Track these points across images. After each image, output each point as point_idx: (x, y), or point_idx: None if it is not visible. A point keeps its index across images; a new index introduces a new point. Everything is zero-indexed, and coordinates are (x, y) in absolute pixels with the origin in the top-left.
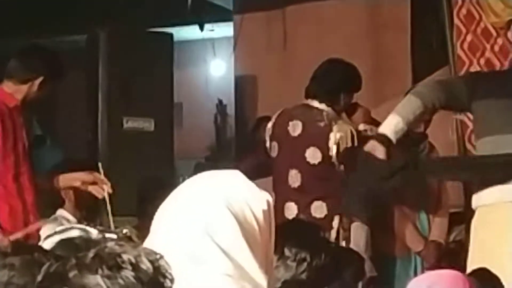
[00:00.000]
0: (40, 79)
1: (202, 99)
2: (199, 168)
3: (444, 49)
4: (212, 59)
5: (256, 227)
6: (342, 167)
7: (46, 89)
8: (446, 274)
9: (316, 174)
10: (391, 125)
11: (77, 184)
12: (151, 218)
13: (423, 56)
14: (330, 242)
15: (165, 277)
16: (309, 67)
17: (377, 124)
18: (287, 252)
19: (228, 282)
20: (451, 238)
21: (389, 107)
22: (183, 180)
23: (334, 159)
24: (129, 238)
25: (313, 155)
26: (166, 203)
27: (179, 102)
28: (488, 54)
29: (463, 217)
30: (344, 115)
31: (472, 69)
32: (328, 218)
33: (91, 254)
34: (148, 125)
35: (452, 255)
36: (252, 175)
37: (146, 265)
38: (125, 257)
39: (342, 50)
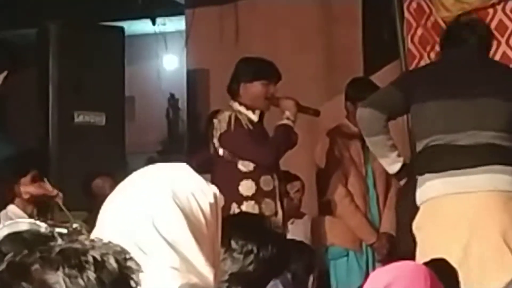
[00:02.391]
0: (5, 73)
1: (154, 93)
2: (151, 162)
3: (396, 43)
4: (164, 53)
5: (203, 220)
6: (227, 153)
7: (10, 83)
8: (408, 266)
9: (212, 165)
10: (390, 165)
11: (26, 197)
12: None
13: (375, 49)
14: (277, 233)
15: (131, 278)
16: None
17: (306, 110)
18: (233, 244)
19: (174, 275)
20: None
21: (341, 101)
22: None
23: (218, 146)
24: (79, 233)
25: (210, 147)
26: (113, 195)
27: (131, 96)
28: (438, 47)
29: None
30: (235, 103)
31: (422, 63)
32: (225, 207)
33: (57, 248)
34: (99, 119)
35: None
36: (205, 169)
37: (111, 265)
38: (90, 256)
39: (294, 44)
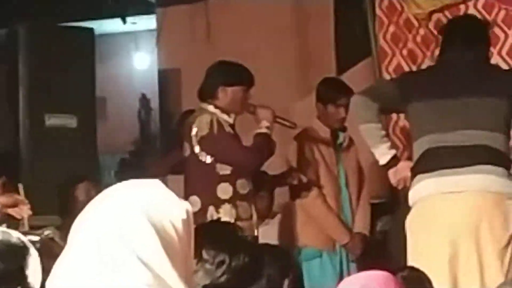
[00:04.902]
0: None
1: (126, 93)
2: (124, 163)
3: (368, 40)
4: (135, 53)
5: (176, 237)
6: (208, 157)
7: None
8: (378, 276)
9: (188, 168)
10: (381, 155)
11: None
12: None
13: (347, 47)
14: (248, 242)
15: None
16: (233, 59)
17: (283, 122)
18: (205, 255)
19: None
20: (377, 228)
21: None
22: (109, 174)
23: (197, 150)
24: (51, 240)
25: (185, 149)
26: (84, 213)
27: (102, 97)
28: (410, 45)
29: (387, 207)
30: (209, 106)
31: (394, 60)
32: (202, 210)
33: None
34: (70, 121)
35: (377, 246)
36: (178, 170)
37: None
38: None
39: (266, 41)
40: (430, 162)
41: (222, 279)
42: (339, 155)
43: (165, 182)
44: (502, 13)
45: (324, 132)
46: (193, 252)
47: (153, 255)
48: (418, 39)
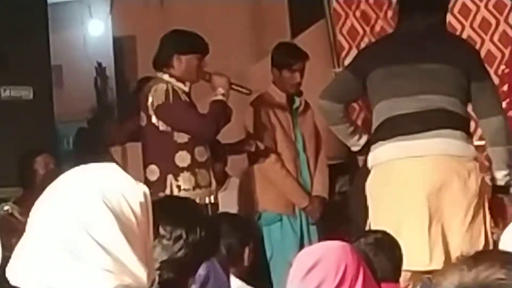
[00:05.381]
0: None
1: (81, 61)
2: (81, 132)
3: (321, 2)
4: (89, 20)
5: (134, 220)
6: (165, 126)
7: None
8: (334, 246)
9: (145, 138)
10: (352, 148)
11: None
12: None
13: (301, 9)
14: (204, 215)
15: None
16: (187, 25)
17: (238, 89)
18: (162, 231)
19: (108, 277)
20: (336, 189)
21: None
22: (67, 143)
23: (154, 119)
24: (10, 215)
25: (142, 118)
26: (42, 198)
27: (58, 65)
28: (363, 6)
29: (345, 168)
30: (164, 75)
31: (348, 22)
32: (161, 178)
33: None
34: (26, 93)
35: (337, 207)
36: (135, 138)
37: None
38: None
39: (219, 7)
40: (389, 130)
41: (180, 253)
42: (296, 120)
43: (123, 150)
44: None
45: (280, 97)
46: (152, 233)
47: (112, 239)
48: (371, 0)
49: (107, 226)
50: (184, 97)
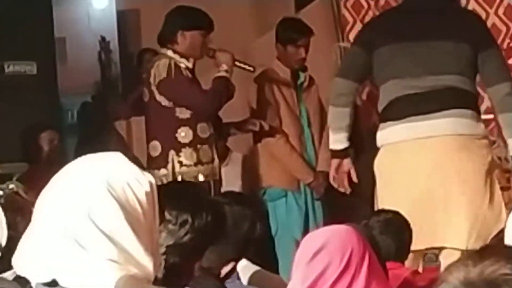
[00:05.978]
0: None
1: (85, 34)
2: (86, 106)
3: None
4: None
5: (140, 209)
6: (167, 101)
7: None
8: (340, 230)
9: (148, 113)
10: (337, 142)
11: None
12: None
13: None
14: (211, 199)
15: None
16: None
17: (242, 66)
18: (167, 215)
19: (113, 267)
20: None
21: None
22: (72, 116)
23: (156, 94)
24: (15, 193)
25: (145, 94)
26: (48, 187)
27: (62, 37)
28: None
29: (351, 142)
30: (168, 51)
31: None
32: (163, 154)
33: None
34: (30, 68)
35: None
36: (139, 112)
37: None
38: None
39: None
40: (399, 110)
41: (186, 238)
42: (300, 95)
43: (128, 124)
44: None
45: (284, 72)
46: (158, 223)
47: (118, 229)
48: None
49: (113, 216)
50: (186, 72)
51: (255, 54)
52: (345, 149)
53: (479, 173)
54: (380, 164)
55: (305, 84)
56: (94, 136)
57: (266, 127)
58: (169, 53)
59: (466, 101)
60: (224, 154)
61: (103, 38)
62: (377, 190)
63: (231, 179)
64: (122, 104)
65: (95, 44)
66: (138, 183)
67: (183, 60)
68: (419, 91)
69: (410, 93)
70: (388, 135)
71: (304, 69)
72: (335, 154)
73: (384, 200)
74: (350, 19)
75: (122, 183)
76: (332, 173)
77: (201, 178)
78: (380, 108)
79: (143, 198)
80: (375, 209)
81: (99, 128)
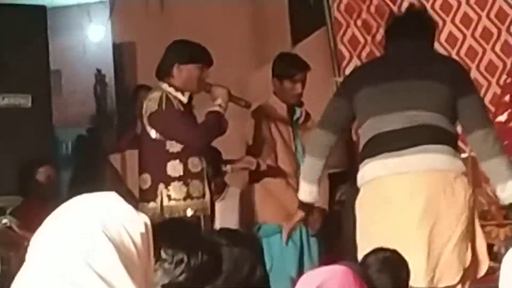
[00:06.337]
0: None
1: (81, 67)
2: (81, 140)
3: (322, 11)
4: (88, 25)
5: (134, 251)
6: (158, 134)
7: None
8: (337, 270)
9: (140, 145)
10: (307, 194)
11: None
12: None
13: (301, 17)
14: (207, 239)
15: None
16: (188, 32)
17: (238, 101)
18: (163, 254)
19: None
20: (336, 197)
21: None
22: (66, 147)
23: (147, 126)
24: (9, 228)
25: (138, 126)
26: (42, 229)
27: (57, 69)
28: (364, 15)
29: (346, 176)
30: (164, 84)
31: (349, 31)
32: (153, 187)
33: None
34: (25, 101)
35: (337, 217)
36: (134, 146)
37: None
38: None
39: (220, 13)
40: (375, 147)
41: (181, 278)
42: (296, 131)
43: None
44: None
45: (280, 108)
46: (153, 264)
47: (112, 271)
48: (372, 9)
49: (108, 258)
50: (178, 106)
51: (251, 87)
52: (312, 204)
53: (454, 209)
54: (358, 203)
55: (301, 119)
56: (88, 169)
57: (264, 166)
58: (164, 86)
59: (442, 137)
60: (221, 189)
61: (98, 71)
62: (357, 231)
63: (227, 214)
64: (117, 137)
65: (90, 77)
66: (133, 224)
67: (178, 93)
68: (394, 128)
69: (386, 131)
70: (365, 172)
71: (301, 104)
72: (302, 206)
73: (362, 237)
74: (347, 54)
75: (118, 226)
76: (288, 225)
77: (189, 213)
78: (360, 148)
79: (138, 239)
80: (359, 246)
81: (94, 161)
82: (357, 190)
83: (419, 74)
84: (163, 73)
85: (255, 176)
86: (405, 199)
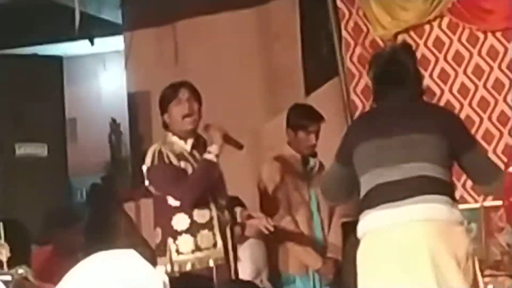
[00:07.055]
0: None
1: (96, 115)
2: (95, 188)
3: (335, 61)
4: (103, 74)
5: None
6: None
7: None
8: None
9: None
10: None
11: None
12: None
13: (315, 66)
14: None
15: None
16: (202, 81)
17: (231, 142)
18: None
19: None
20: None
21: (283, 119)
22: (81, 194)
23: (146, 181)
24: (25, 279)
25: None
26: (63, 284)
27: (72, 118)
28: None
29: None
30: (168, 134)
31: (362, 81)
32: (162, 242)
33: None
34: (41, 150)
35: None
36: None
37: None
38: None
39: (234, 62)
40: (374, 199)
41: None
42: (310, 180)
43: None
44: (466, 32)
45: (294, 158)
46: None
47: None
48: None
49: None
50: (168, 160)
51: (264, 137)
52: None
53: (455, 258)
54: (358, 255)
55: (315, 169)
56: (103, 217)
57: (271, 228)
58: (169, 136)
59: (439, 188)
60: (242, 239)
61: (113, 120)
62: (358, 279)
63: (245, 262)
64: (131, 186)
65: (105, 125)
66: (151, 282)
67: (181, 142)
68: (392, 179)
69: (383, 182)
70: (364, 224)
71: (314, 155)
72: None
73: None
74: (360, 104)
75: (136, 282)
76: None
77: (198, 265)
78: (360, 199)
79: None
80: None
81: (108, 209)
82: (358, 242)
83: (414, 128)
84: (164, 123)
85: (277, 237)
86: (404, 248)
